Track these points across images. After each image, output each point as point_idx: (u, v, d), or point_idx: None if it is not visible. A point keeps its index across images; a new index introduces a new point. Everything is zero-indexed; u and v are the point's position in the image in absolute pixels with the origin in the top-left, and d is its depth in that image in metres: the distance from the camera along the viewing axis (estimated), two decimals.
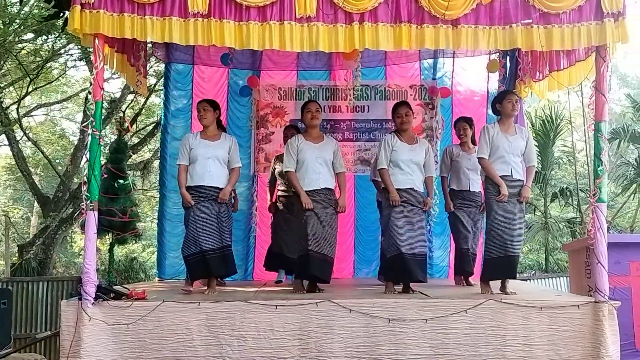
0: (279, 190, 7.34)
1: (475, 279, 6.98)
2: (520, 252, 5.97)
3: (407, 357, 5.16)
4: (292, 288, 6.26)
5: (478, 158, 6.13)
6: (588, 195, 5.74)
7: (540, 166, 14.91)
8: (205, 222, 5.92)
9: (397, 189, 6.04)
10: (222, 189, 6.03)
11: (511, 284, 6.00)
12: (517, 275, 6.48)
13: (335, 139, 6.51)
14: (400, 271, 5.96)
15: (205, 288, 6.09)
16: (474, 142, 7.06)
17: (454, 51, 8.39)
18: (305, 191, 6.03)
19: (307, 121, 6.24)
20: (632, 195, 15.99)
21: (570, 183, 16.35)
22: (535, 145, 14.97)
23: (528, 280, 11.15)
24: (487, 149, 6.02)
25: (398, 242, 5.90)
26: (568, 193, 15.48)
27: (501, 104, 6.11)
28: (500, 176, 5.91)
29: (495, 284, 5.95)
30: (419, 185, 6.12)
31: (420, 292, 5.91)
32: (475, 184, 6.92)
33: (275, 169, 7.36)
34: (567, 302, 5.34)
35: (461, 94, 8.93)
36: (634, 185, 15.52)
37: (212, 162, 6.02)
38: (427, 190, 6.23)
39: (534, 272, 16.53)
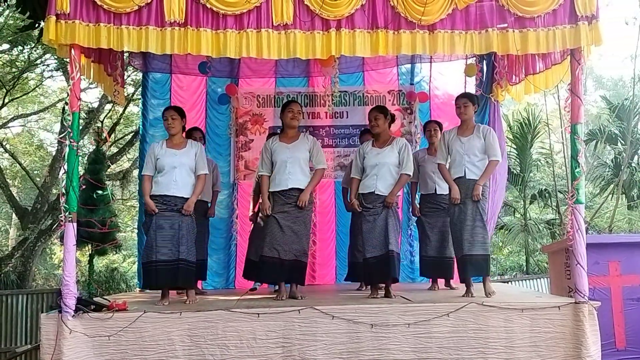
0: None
1: (456, 282, 7.03)
2: (482, 251, 5.94)
3: None
4: (273, 295, 6.27)
5: (437, 164, 6.34)
6: (566, 197, 5.78)
7: (519, 168, 15.01)
8: (164, 232, 5.78)
9: (361, 194, 6.20)
10: (188, 199, 5.91)
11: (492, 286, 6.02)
12: (498, 277, 6.49)
13: (312, 138, 6.44)
14: (366, 274, 6.24)
15: (184, 298, 6.03)
16: None
17: (431, 56, 8.45)
18: (275, 191, 6.11)
19: (287, 121, 6.24)
20: (610, 196, 16.10)
21: (549, 185, 16.44)
22: (514, 148, 15.10)
23: (509, 282, 11.21)
24: (443, 154, 6.25)
25: (358, 246, 6.21)
26: (547, 194, 15.57)
27: (455, 108, 6.29)
28: (455, 178, 6.08)
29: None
30: (384, 188, 6.13)
31: (402, 297, 5.93)
32: (444, 187, 6.88)
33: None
34: (548, 304, 5.38)
35: (439, 99, 8.97)
36: (612, 186, 15.64)
37: (178, 171, 5.88)
38: (393, 186, 6.18)
39: (514, 273, 16.60)
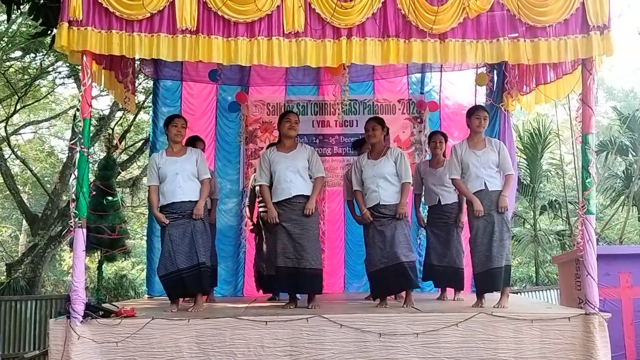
0: (260, 206, 7.25)
1: (465, 294, 6.98)
2: (508, 262, 5.89)
3: None
4: (282, 303, 6.26)
5: (451, 179, 6.23)
6: (577, 208, 5.74)
7: (529, 179, 14.98)
8: (180, 241, 5.83)
9: (367, 207, 6.19)
10: (195, 202, 5.94)
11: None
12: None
13: (310, 148, 6.42)
14: (381, 286, 6.15)
15: (191, 305, 6.01)
16: (445, 156, 7.11)
17: (442, 65, 8.44)
18: (278, 201, 6.08)
19: (284, 131, 6.22)
20: (621, 207, 16.05)
21: (559, 195, 16.38)
22: (524, 158, 15.06)
23: (518, 293, 11.15)
24: (457, 168, 6.10)
25: (372, 258, 6.13)
26: (557, 205, 15.52)
27: (470, 119, 6.15)
28: (475, 192, 5.95)
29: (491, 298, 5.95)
30: (388, 198, 6.13)
31: (411, 306, 5.90)
32: (447, 197, 6.92)
33: (255, 186, 7.25)
34: (558, 315, 5.35)
35: (449, 108, 8.93)
36: (622, 197, 15.59)
37: (181, 177, 5.92)
38: (400, 197, 6.17)
39: (524, 284, 16.53)
